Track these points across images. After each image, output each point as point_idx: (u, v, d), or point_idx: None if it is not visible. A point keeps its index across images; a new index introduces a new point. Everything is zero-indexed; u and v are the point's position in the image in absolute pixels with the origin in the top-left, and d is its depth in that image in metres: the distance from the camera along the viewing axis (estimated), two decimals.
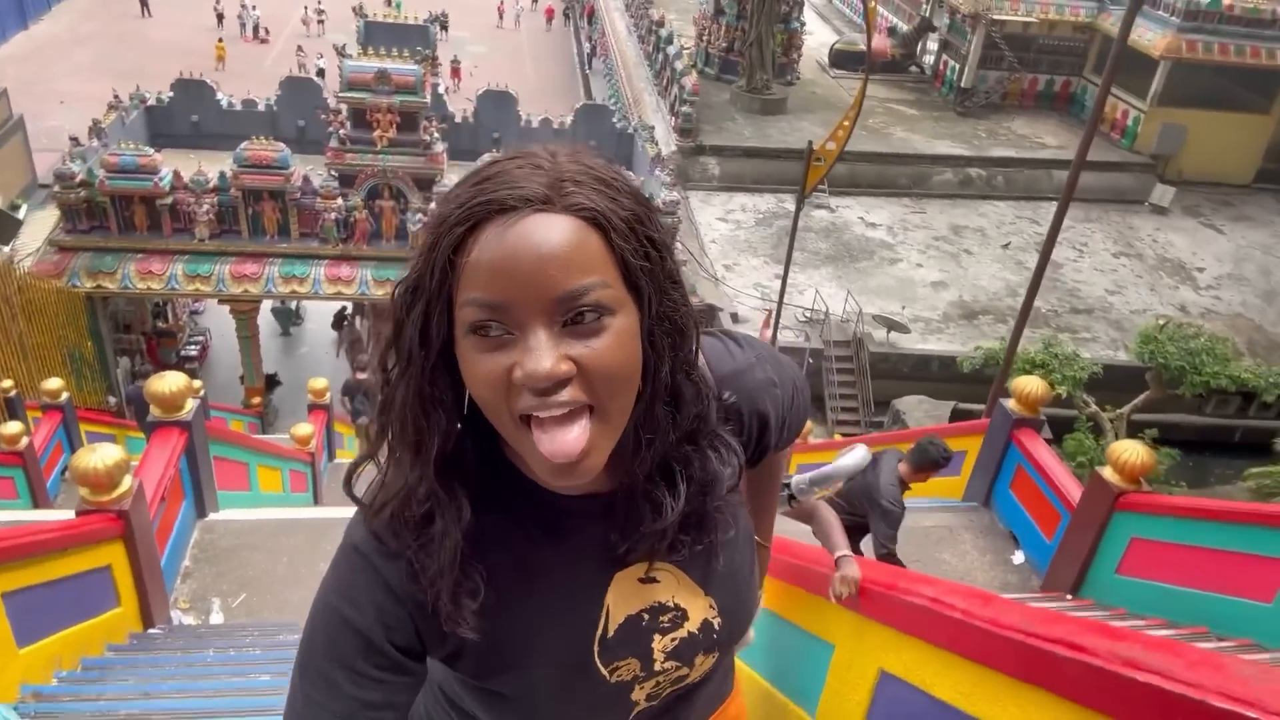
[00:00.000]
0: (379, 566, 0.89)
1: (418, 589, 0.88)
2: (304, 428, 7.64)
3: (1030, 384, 4.99)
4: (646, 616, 0.99)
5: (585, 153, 0.84)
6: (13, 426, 7.00)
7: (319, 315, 17.36)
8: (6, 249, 13.24)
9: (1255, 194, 21.64)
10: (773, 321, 12.74)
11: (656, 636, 0.99)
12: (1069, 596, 4.18)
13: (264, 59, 28.01)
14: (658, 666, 1.00)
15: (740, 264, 16.98)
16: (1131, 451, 3.89)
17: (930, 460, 4.08)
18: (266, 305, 15.28)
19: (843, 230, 18.64)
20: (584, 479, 0.81)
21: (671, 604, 1.00)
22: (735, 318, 14.83)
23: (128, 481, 3.47)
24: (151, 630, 3.73)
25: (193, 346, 16.14)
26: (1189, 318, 16.28)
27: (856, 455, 1.16)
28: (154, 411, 4.23)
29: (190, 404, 4.35)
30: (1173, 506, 3.77)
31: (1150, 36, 20.53)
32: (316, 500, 7.65)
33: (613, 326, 0.79)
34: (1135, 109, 21.44)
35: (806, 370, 14.46)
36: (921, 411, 12.72)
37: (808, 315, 15.33)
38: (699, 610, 1.02)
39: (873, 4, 11.64)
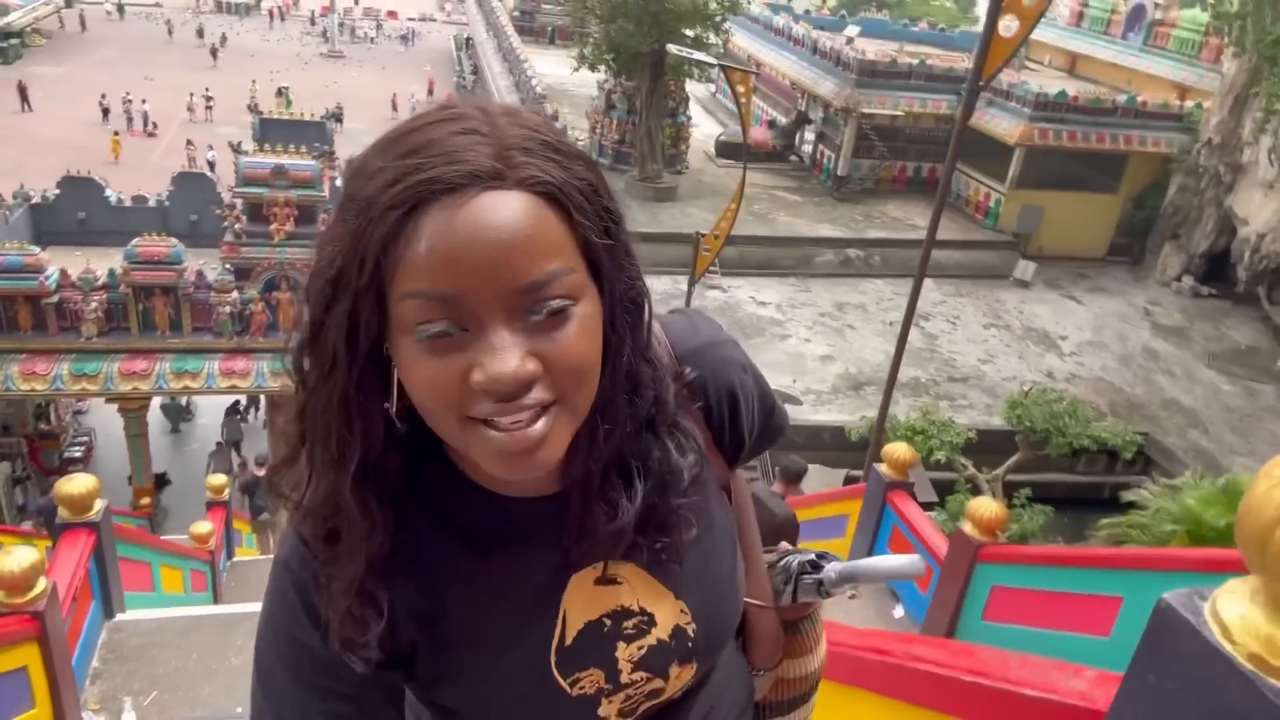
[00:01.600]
0: (309, 580, 0.83)
1: (320, 601, 0.81)
2: (203, 525, 7.58)
3: (899, 449, 5.48)
4: (608, 622, 0.89)
5: (518, 110, 0.76)
6: None
7: (210, 410, 17.01)
8: None
9: (1109, 266, 23.47)
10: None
11: (620, 644, 0.89)
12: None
13: (152, 152, 27.71)
14: (625, 678, 0.89)
15: None
16: (986, 507, 4.37)
17: (795, 474, 4.83)
18: (156, 402, 14.93)
19: (735, 309, 19.42)
20: (538, 471, 0.74)
21: (636, 608, 0.90)
22: None
23: (42, 583, 3.54)
24: None
25: (76, 448, 15.55)
26: (1055, 383, 17.48)
27: (913, 561, 1.01)
28: (62, 513, 4.28)
29: (98, 504, 4.42)
30: (1024, 555, 4.27)
31: (1005, 126, 22.34)
32: (216, 599, 7.54)
33: (578, 315, 0.72)
34: (996, 191, 23.16)
35: None
36: (817, 480, 13.25)
37: None
38: (668, 614, 0.91)
39: (744, 98, 12.48)
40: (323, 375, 0.75)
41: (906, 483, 5.42)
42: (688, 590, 0.92)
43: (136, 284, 12.59)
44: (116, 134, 27.33)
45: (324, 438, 0.77)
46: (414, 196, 0.67)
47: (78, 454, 15.30)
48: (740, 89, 12.74)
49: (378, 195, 0.68)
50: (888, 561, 1.06)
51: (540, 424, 0.71)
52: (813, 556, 1.13)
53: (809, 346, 18.18)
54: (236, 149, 13.64)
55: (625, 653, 0.90)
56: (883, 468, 5.40)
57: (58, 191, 15.60)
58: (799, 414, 15.74)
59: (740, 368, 0.98)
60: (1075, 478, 14.89)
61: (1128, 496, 7.44)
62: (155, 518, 13.76)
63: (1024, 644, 4.20)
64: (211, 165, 24.03)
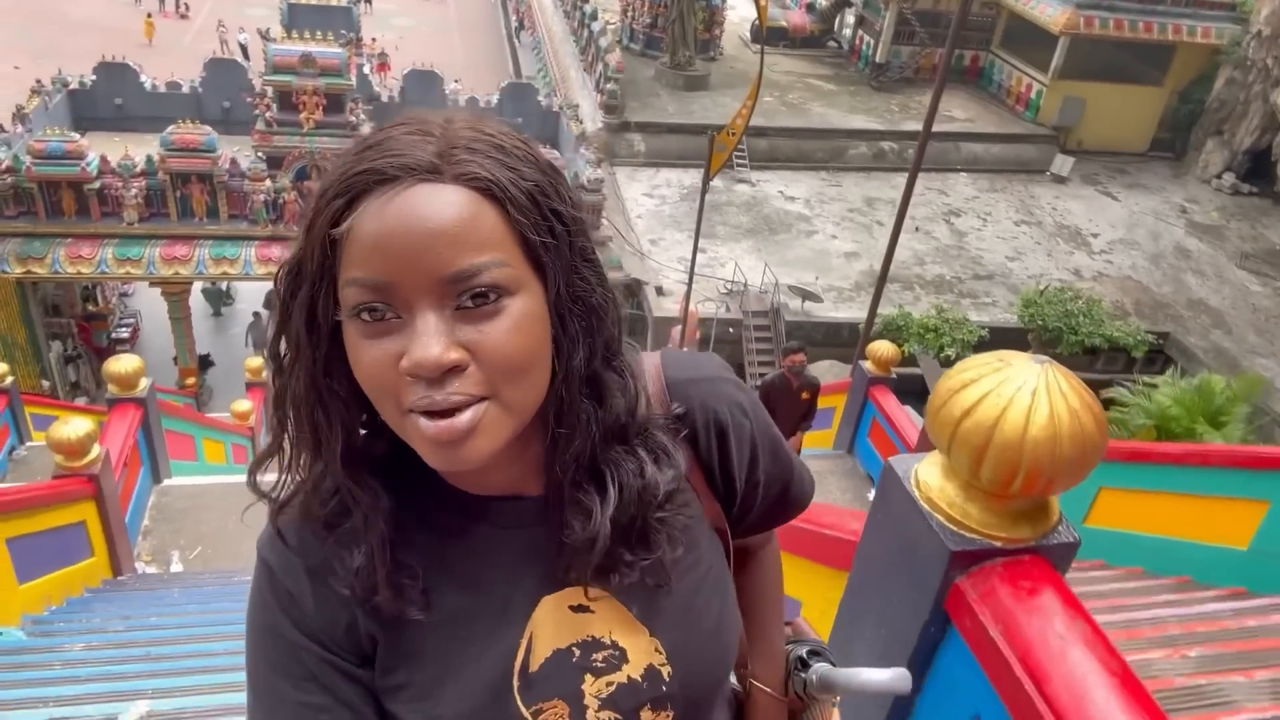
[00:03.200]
0: (283, 568, 0.85)
1: (341, 585, 0.82)
2: (243, 404, 8.14)
3: (882, 347, 5.79)
4: (577, 652, 0.87)
5: (485, 120, 0.78)
6: None
7: (250, 295, 17.59)
8: None
9: (1149, 162, 22.94)
10: (687, 295, 13.44)
11: (588, 677, 0.87)
12: None
13: (184, 35, 27.67)
14: (590, 716, 0.86)
15: (665, 238, 17.62)
16: (883, 348, 5.03)
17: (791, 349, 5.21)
18: (197, 287, 15.50)
19: (762, 204, 19.39)
20: (470, 463, 0.74)
21: (608, 640, 0.87)
22: (660, 290, 15.53)
23: (96, 449, 4.03)
24: (120, 577, 4.32)
25: (123, 329, 16.28)
26: (1082, 281, 17.46)
27: (898, 676, 0.95)
28: (111, 389, 4.77)
29: (144, 383, 4.89)
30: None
31: (1050, 13, 21.54)
32: None
33: (510, 309, 0.73)
34: (1038, 82, 22.51)
35: (729, 342, 15.24)
36: (831, 375, 13.59)
37: (728, 287, 16.08)
38: (641, 652, 0.88)
39: None
40: (291, 360, 0.78)
41: (889, 378, 5.74)
42: (665, 628, 0.89)
43: (174, 171, 12.96)
44: (150, 15, 27.28)
45: (300, 422, 0.80)
46: (353, 187, 0.71)
47: (125, 334, 16.02)
48: None
49: (327, 187, 0.73)
50: (873, 676, 0.99)
51: (467, 414, 0.72)
52: (805, 652, 1.11)
53: (834, 243, 18.22)
54: (265, 36, 13.75)
55: (593, 687, 0.87)
56: (867, 364, 5.72)
57: (94, 77, 15.84)
58: (820, 310, 15.96)
59: (737, 407, 0.94)
60: (1092, 375, 15.07)
61: (1106, 394, 7.70)
62: (200, 396, 14.51)
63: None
64: (244, 49, 24.02)
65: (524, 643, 0.86)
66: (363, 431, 0.83)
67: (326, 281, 0.74)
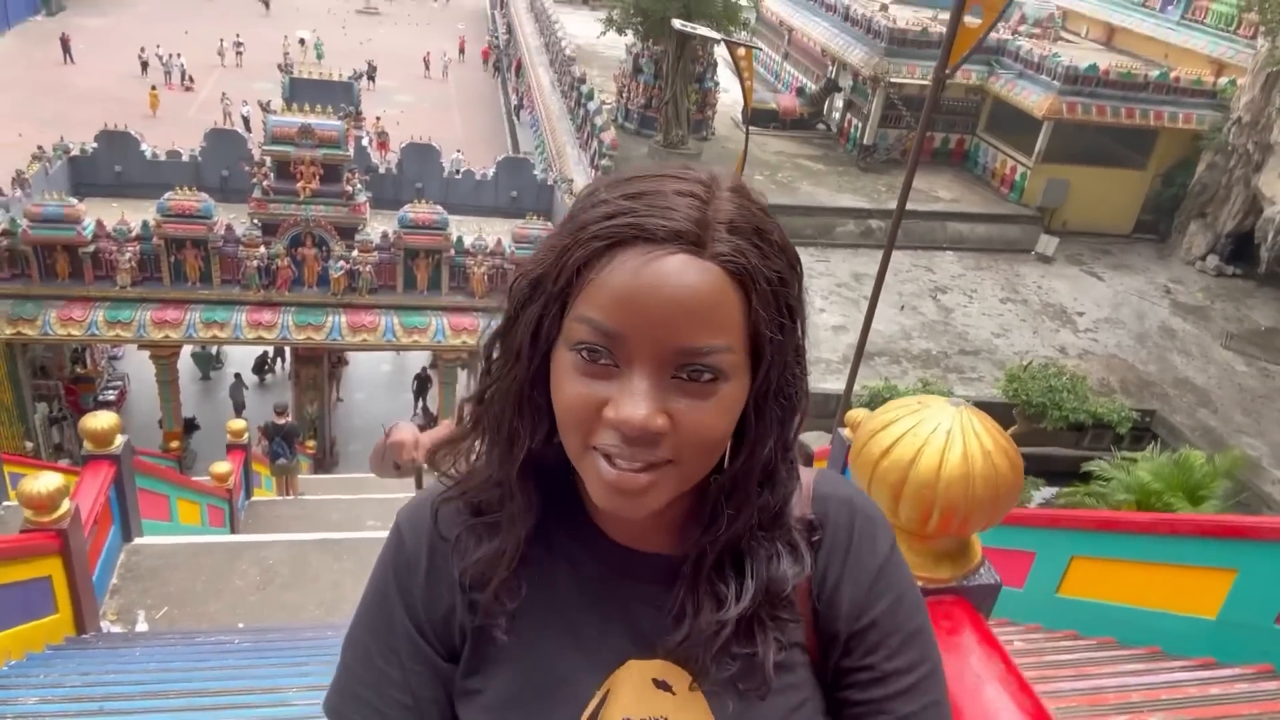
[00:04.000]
0: (413, 536, 0.90)
1: (460, 574, 0.87)
2: (222, 466, 8.10)
3: (859, 415, 5.81)
4: None
5: (746, 191, 0.79)
6: None
7: (240, 359, 17.62)
8: None
9: (1134, 243, 23.33)
10: None
11: None
12: None
13: (189, 106, 28.25)
14: None
15: None
16: (858, 416, 4.94)
17: (805, 457, 5.08)
18: (187, 350, 15.53)
19: None
20: (634, 513, 0.77)
21: None
22: None
23: (66, 504, 4.01)
24: (84, 635, 4.25)
25: (110, 391, 16.23)
26: (1068, 359, 17.59)
27: None
28: (86, 445, 4.76)
29: (119, 439, 4.89)
30: None
31: (1034, 98, 22.16)
32: (234, 534, 8.08)
33: (722, 392, 0.74)
34: (1022, 165, 23.03)
35: None
36: (817, 444, 13.57)
37: None
38: None
39: (745, 73, 12.62)
40: (506, 366, 0.81)
41: None
42: None
43: (169, 236, 13.12)
44: (154, 88, 27.91)
45: (498, 424, 0.83)
46: (618, 234, 0.73)
47: (112, 397, 15.96)
48: (742, 64, 12.88)
49: (590, 223, 0.74)
50: None
51: (648, 475, 0.74)
52: None
53: (823, 316, 18.39)
54: (265, 108, 14.07)
55: None
56: (845, 431, 5.74)
57: (95, 145, 16.11)
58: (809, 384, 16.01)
59: (872, 543, 0.90)
60: (1076, 452, 15.07)
61: (1087, 467, 7.71)
62: (184, 460, 14.41)
63: None
64: (246, 121, 24.53)
65: (599, 696, 0.86)
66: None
67: (558, 306, 0.77)
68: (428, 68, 34.80)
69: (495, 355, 0.84)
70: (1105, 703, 2.54)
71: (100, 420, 4.73)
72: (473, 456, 0.88)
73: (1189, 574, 3.64)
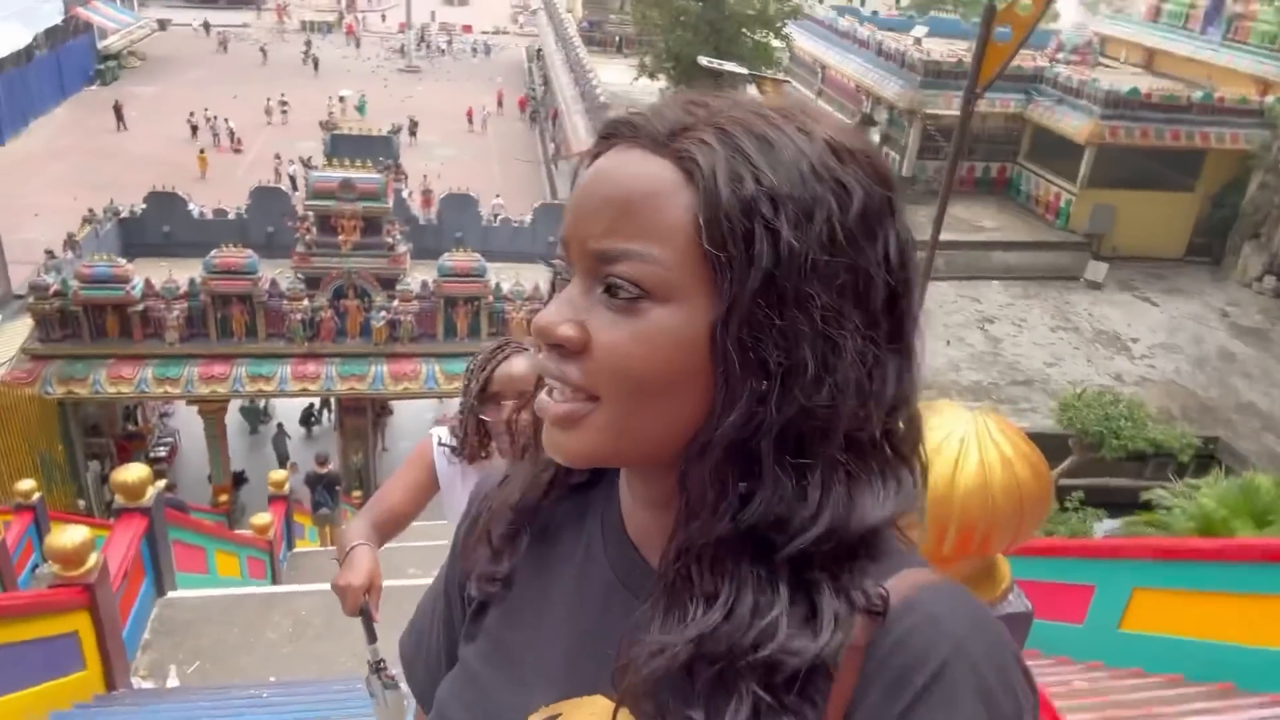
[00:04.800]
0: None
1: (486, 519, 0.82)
2: (263, 517, 8.10)
3: None
4: None
5: (808, 109, 0.66)
6: None
7: (286, 412, 17.83)
8: None
9: (1186, 267, 22.75)
10: None
11: None
12: None
13: (238, 166, 29.05)
14: None
15: None
16: None
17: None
18: (235, 405, 15.76)
19: None
20: (562, 453, 0.65)
21: None
22: None
23: (94, 558, 3.97)
24: (114, 692, 4.19)
25: (162, 448, 16.50)
26: (1124, 386, 17.08)
27: None
28: (118, 499, 4.75)
29: (150, 491, 4.88)
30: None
31: (1074, 124, 21.88)
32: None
33: (650, 317, 0.60)
34: (1067, 191, 22.67)
35: None
36: None
37: None
38: None
39: (772, 94, 12.60)
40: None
41: None
42: None
43: (215, 292, 13.39)
44: (203, 150, 28.76)
45: None
46: (604, 137, 0.67)
47: (163, 454, 16.24)
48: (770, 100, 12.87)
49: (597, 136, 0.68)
50: None
51: (567, 406, 0.63)
52: None
53: None
54: (307, 164, 14.38)
55: None
56: None
57: (144, 206, 16.59)
58: None
59: (984, 695, 0.59)
60: (1137, 483, 14.54)
61: (1146, 496, 7.38)
62: (233, 514, 14.54)
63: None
64: (293, 180, 25.16)
65: (545, 714, 0.72)
66: None
67: None
68: (470, 121, 35.45)
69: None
70: None
71: (130, 473, 4.72)
72: None
73: (1261, 602, 3.36)
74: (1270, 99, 21.44)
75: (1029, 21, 6.54)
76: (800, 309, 0.60)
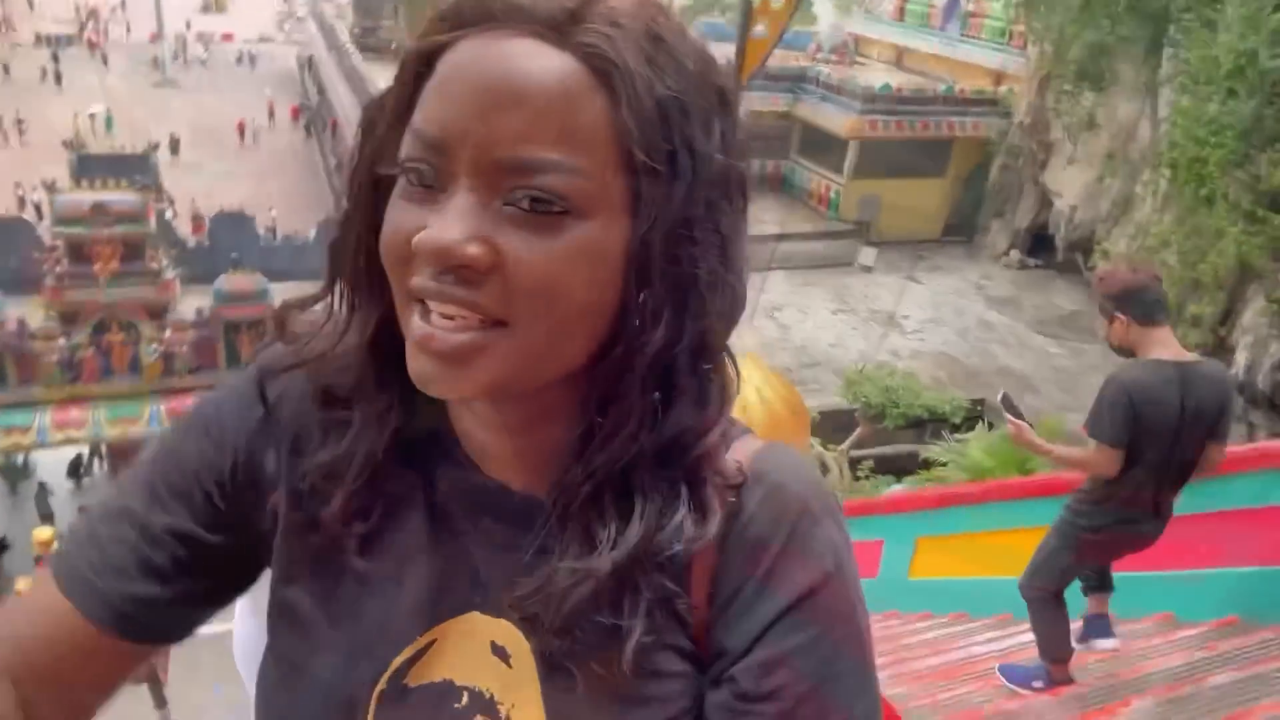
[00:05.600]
0: (248, 406, 0.73)
1: (300, 473, 0.70)
2: (23, 581, 7.31)
3: None
4: (466, 698, 0.67)
5: (667, 11, 0.61)
6: None
7: (51, 466, 16.16)
8: None
9: (944, 246, 24.83)
10: None
11: None
12: None
13: None
14: None
15: None
16: None
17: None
18: None
19: None
20: (457, 388, 0.60)
21: (502, 706, 0.66)
22: None
23: None
24: None
25: None
26: (900, 360, 18.45)
27: None
28: None
29: None
30: None
31: (838, 120, 23.45)
32: None
33: (573, 232, 0.56)
34: (835, 183, 24.25)
35: None
36: None
37: None
38: None
39: None
40: (351, 208, 0.66)
41: None
42: None
43: None
44: None
45: (345, 277, 0.68)
46: (462, 15, 0.58)
47: None
48: None
49: (440, 13, 0.59)
50: None
51: (466, 335, 0.57)
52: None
53: None
54: (51, 187, 13.11)
55: None
56: None
57: None
58: None
59: (831, 566, 0.65)
60: (917, 446, 15.74)
61: (924, 454, 8.04)
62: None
63: None
64: (38, 209, 22.80)
65: (422, 643, 0.68)
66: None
67: (401, 127, 0.60)
68: (241, 135, 33.48)
69: (345, 199, 0.68)
70: (956, 674, 2.55)
71: None
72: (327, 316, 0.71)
73: (1028, 536, 3.69)
74: (1004, 89, 23.83)
75: (782, 16, 6.95)
76: (710, 218, 0.60)
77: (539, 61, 0.55)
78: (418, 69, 0.59)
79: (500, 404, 0.65)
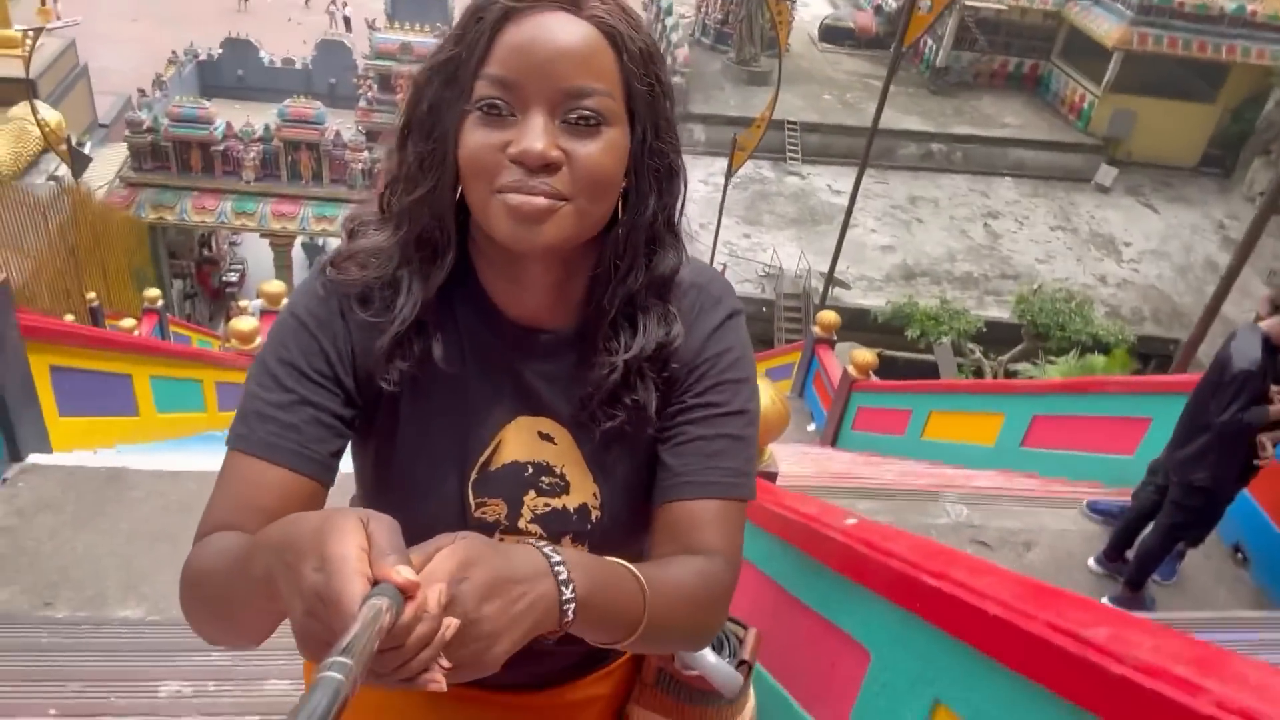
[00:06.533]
0: (327, 296, 0.93)
1: (364, 319, 0.91)
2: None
3: (828, 316, 7.44)
4: (530, 469, 0.98)
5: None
6: (128, 322, 9.53)
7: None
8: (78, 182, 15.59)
9: (1196, 177, 23.34)
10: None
11: (532, 493, 0.98)
12: (830, 446, 6.72)
13: (292, 8, 29.78)
14: (522, 524, 0.98)
15: (713, 223, 19.14)
16: (861, 355, 6.42)
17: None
18: (299, 240, 17.62)
19: (809, 195, 20.73)
20: (538, 240, 0.83)
21: (559, 471, 0.99)
22: None
23: (258, 340, 5.97)
24: None
25: (233, 273, 18.54)
26: (1106, 287, 18.41)
27: (730, 681, 1.08)
28: (233, 343, 6.48)
29: (259, 340, 6.58)
30: (875, 386, 6.31)
31: (1105, 27, 22.18)
32: None
33: (607, 135, 0.83)
34: (1090, 93, 23.20)
35: (761, 320, 16.71)
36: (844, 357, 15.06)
37: (766, 270, 17.58)
38: (582, 492, 0.99)
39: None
40: (417, 135, 0.88)
41: (830, 339, 7.40)
42: (606, 480, 0.99)
43: (287, 139, 15.05)
44: None
45: (402, 195, 0.90)
46: (509, 6, 0.82)
47: (234, 278, 18.27)
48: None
49: (484, 6, 0.83)
50: (718, 672, 1.18)
51: (548, 202, 0.81)
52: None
53: (872, 236, 19.45)
54: (371, 26, 15.70)
55: (531, 502, 0.98)
56: (815, 329, 7.37)
57: (220, 51, 18.06)
58: (849, 297, 17.29)
59: (725, 314, 1.01)
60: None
61: (1013, 368, 9.18)
62: None
63: (871, 445, 6.31)
64: (347, 21, 26.05)
65: (491, 447, 0.98)
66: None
67: (468, 74, 0.83)
68: None
69: (405, 139, 0.90)
70: (914, 480, 4.25)
71: (245, 324, 6.20)
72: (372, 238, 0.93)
73: (983, 418, 5.45)
74: None
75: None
76: (669, 130, 0.91)
77: (573, 28, 0.82)
78: (479, 41, 0.83)
79: (549, 262, 0.92)
